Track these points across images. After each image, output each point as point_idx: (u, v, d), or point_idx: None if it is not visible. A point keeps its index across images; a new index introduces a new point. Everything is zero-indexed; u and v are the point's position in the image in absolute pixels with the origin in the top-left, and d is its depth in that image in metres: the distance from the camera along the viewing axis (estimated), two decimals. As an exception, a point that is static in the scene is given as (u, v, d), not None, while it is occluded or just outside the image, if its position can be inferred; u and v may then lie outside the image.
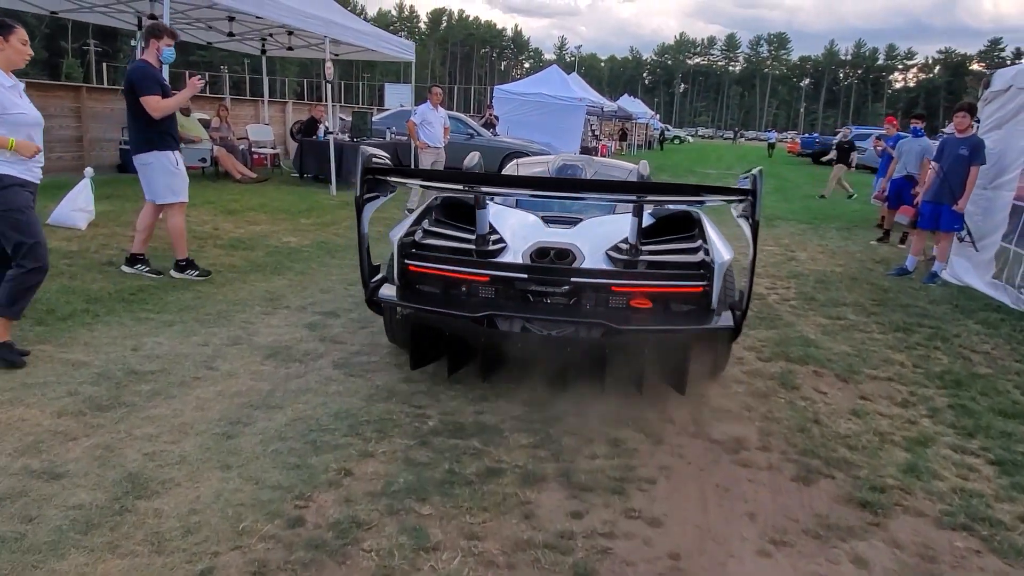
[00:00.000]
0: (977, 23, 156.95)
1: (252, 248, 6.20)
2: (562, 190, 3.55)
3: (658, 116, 47.81)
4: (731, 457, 2.91)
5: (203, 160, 9.56)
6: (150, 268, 5.11)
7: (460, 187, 3.54)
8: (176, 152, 4.95)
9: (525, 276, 3.18)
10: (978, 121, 6.62)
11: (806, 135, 43.25)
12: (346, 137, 10.66)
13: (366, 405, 3.24)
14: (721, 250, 3.31)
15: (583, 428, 3.10)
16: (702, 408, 3.38)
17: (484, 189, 3.38)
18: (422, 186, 4.16)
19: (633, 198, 3.35)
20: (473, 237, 3.47)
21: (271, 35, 10.25)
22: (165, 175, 4.88)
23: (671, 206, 3.98)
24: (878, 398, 3.63)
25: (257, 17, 7.99)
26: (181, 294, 4.74)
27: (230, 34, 9.43)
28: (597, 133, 24.55)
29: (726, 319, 3.11)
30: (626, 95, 38.28)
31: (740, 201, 3.16)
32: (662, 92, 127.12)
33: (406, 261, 3.36)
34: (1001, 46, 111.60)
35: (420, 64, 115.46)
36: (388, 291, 3.36)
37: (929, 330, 4.89)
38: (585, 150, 18.77)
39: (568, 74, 23.09)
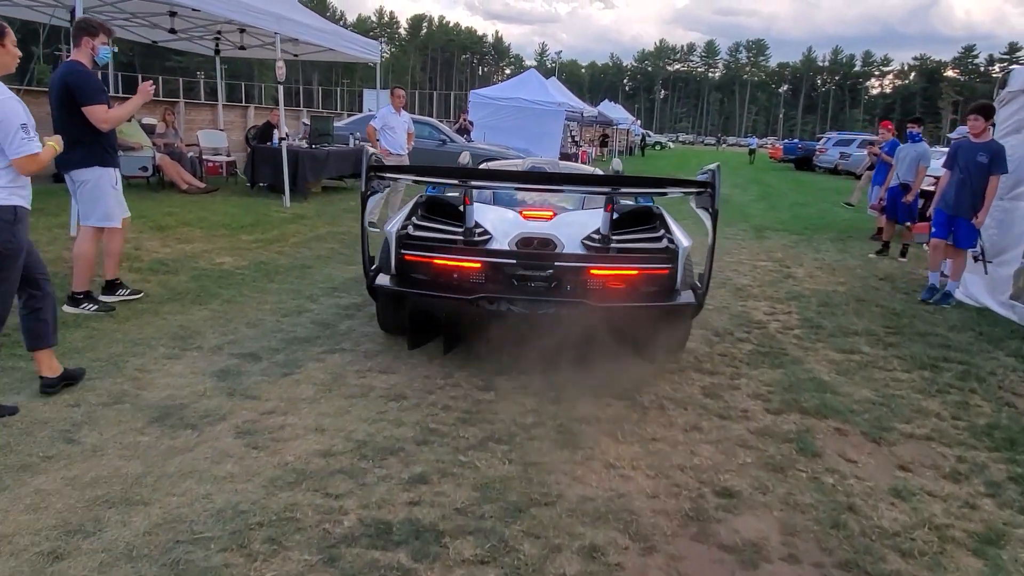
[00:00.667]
0: (950, 31, 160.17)
1: (175, 271, 5.36)
2: (545, 184, 4.06)
3: (639, 122, 47.46)
4: None
5: (144, 168, 8.69)
6: (99, 305, 4.36)
7: (453, 182, 3.90)
8: (117, 169, 4.33)
9: (514, 262, 3.53)
10: (993, 125, 5.98)
11: (788, 140, 43.01)
12: (303, 143, 9.83)
13: (264, 496, 2.44)
14: (681, 238, 3.78)
15: (550, 525, 2.34)
16: (703, 489, 2.63)
17: (475, 183, 3.71)
18: (416, 182, 4.44)
19: (608, 190, 3.68)
20: (460, 230, 3.75)
21: (220, 33, 9.41)
22: (104, 196, 4.22)
23: (634, 201, 4.44)
24: (920, 467, 2.91)
25: (194, 10, 7.17)
26: (70, 333, 3.90)
27: (172, 31, 8.57)
28: (577, 139, 23.90)
29: (688, 296, 3.58)
30: (606, 100, 37.79)
31: (699, 193, 3.64)
32: (643, 98, 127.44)
33: (402, 251, 3.64)
34: (975, 53, 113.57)
35: (400, 70, 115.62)
36: (382, 280, 3.66)
37: (959, 366, 4.20)
38: (565, 156, 18.07)
39: (547, 79, 22.47)
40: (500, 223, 3.97)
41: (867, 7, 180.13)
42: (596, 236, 3.75)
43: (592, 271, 3.56)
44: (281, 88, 8.45)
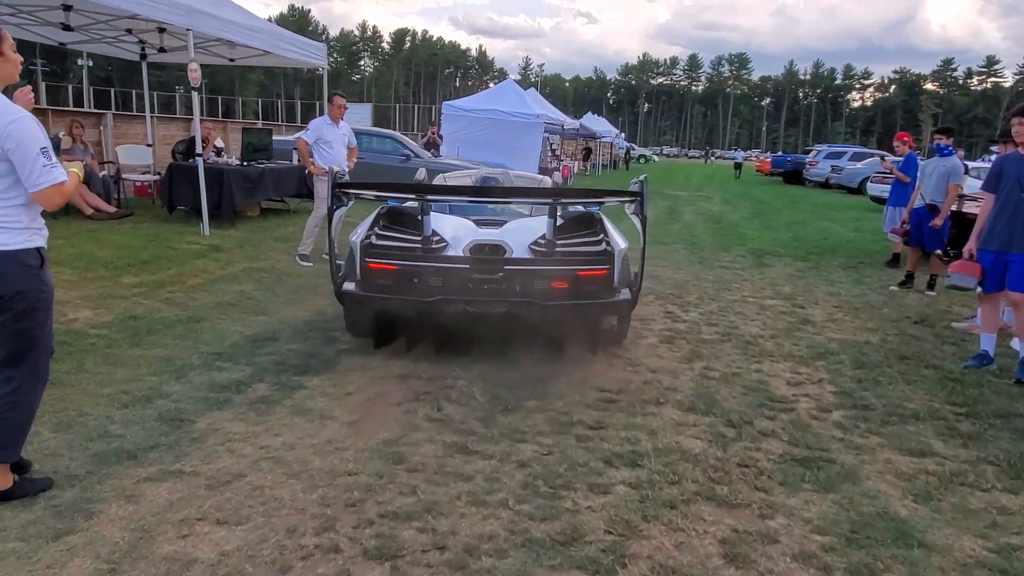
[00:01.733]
0: (927, 45, 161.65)
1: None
2: (495, 196, 4.83)
3: (623, 135, 46.63)
4: None
5: (38, 191, 7.28)
6: None
7: (411, 196, 4.47)
8: None
9: (468, 266, 3.91)
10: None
11: (777, 153, 42.18)
12: (232, 161, 8.47)
13: None
14: (618, 241, 4.18)
15: None
16: None
17: (430, 197, 4.22)
18: (378, 197, 4.50)
19: (550, 200, 4.18)
20: (419, 239, 4.08)
21: (129, 31, 8.07)
22: None
23: (578, 208, 4.74)
24: None
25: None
26: None
27: (65, 27, 7.21)
28: (558, 152, 22.73)
29: (625, 294, 4.01)
30: (590, 113, 36.81)
31: (632, 201, 4.00)
32: (626, 111, 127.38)
33: (366, 259, 3.98)
34: (953, 66, 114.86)
35: (383, 84, 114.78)
36: (349, 286, 3.95)
37: (1081, 479, 2.94)
38: (544, 171, 16.84)
39: (525, 89, 21.34)
40: (456, 231, 4.28)
41: (844, 22, 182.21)
42: (543, 241, 4.07)
43: (538, 273, 3.93)
44: (196, 96, 7.12)
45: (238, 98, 63.18)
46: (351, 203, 4.19)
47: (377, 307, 3.97)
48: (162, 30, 8.03)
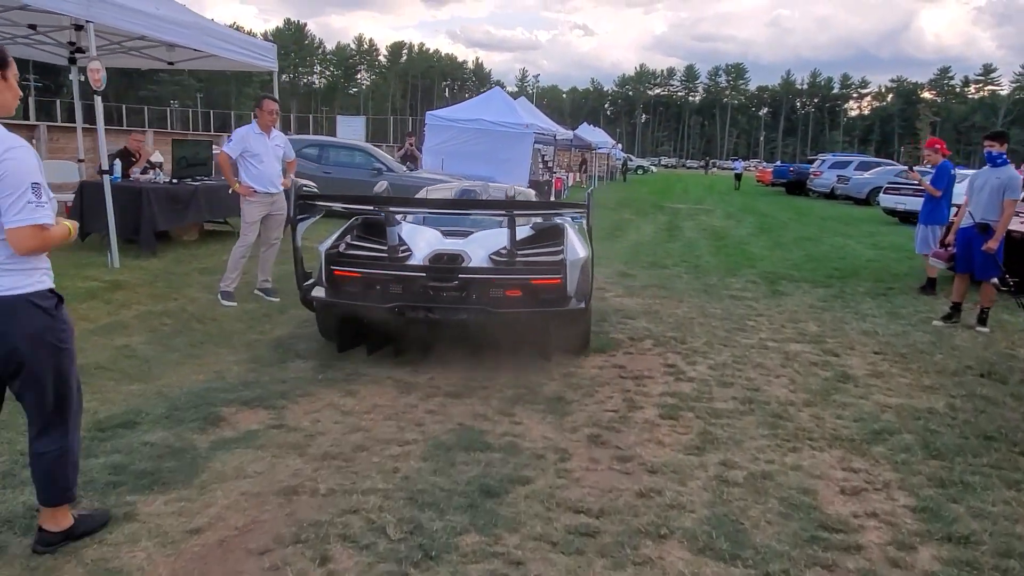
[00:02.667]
0: (922, 54, 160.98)
1: None
2: (450, 208, 4.95)
3: (620, 145, 45.67)
4: None
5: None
6: None
7: (372, 208, 4.58)
8: None
9: (424, 275, 4.04)
10: None
11: (779, 163, 41.07)
12: (160, 178, 7.29)
13: None
14: (576, 250, 4.24)
15: None
16: None
17: (392, 209, 4.41)
18: (343, 209, 4.58)
19: (502, 212, 4.43)
20: (386, 248, 4.32)
21: (34, 27, 6.93)
22: None
23: (544, 220, 4.92)
24: None
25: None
26: None
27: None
28: (550, 164, 21.61)
29: (578, 303, 4.02)
30: (585, 123, 35.81)
31: (581, 213, 4.27)
32: (624, 122, 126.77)
33: (331, 267, 4.15)
34: (951, 75, 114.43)
35: (380, 97, 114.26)
36: (318, 292, 4.13)
37: None
38: (534, 184, 15.69)
39: (516, 99, 20.27)
40: (423, 241, 4.46)
41: (839, 33, 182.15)
42: (504, 251, 4.22)
43: (492, 282, 4.08)
44: (99, 100, 5.96)
45: (232, 111, 62.18)
46: (320, 215, 4.37)
47: (341, 312, 4.21)
48: (79, 27, 6.90)
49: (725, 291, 7.13)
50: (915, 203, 14.76)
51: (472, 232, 4.70)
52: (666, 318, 5.78)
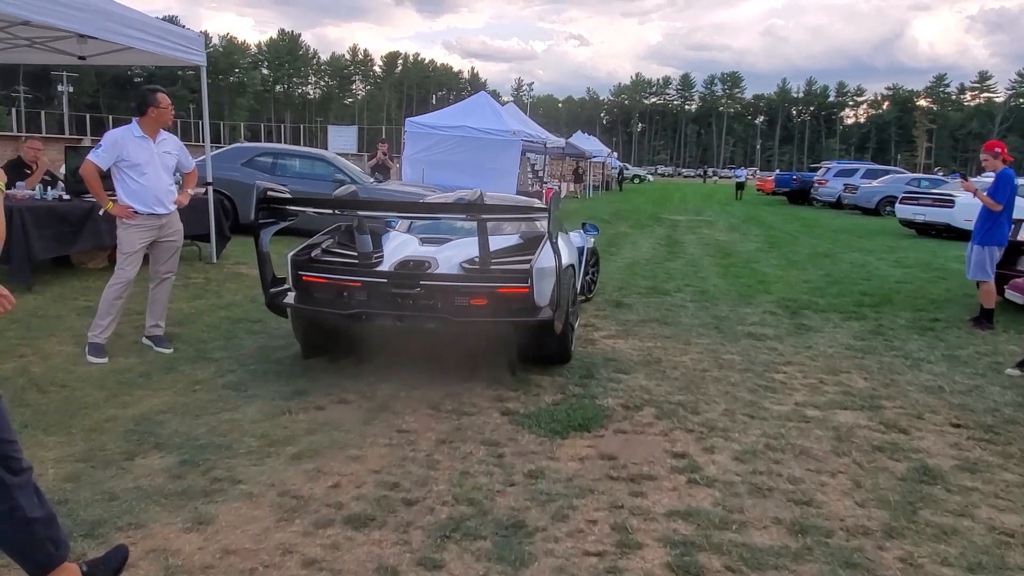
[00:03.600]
0: (916, 63, 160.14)
1: None
2: (409, 211, 4.86)
3: (616, 154, 44.56)
4: None
5: None
6: None
7: (333, 211, 4.37)
8: None
9: (386, 280, 3.95)
10: None
11: (780, 171, 39.85)
12: (51, 195, 5.99)
13: None
14: (547, 258, 3.90)
15: None
16: None
17: (356, 212, 4.28)
18: (316, 213, 4.37)
19: (463, 216, 4.33)
20: (357, 254, 4.29)
21: None
22: None
23: (529, 227, 4.93)
24: None
25: None
26: None
27: None
28: (541, 174, 20.37)
29: (547, 313, 3.80)
30: (579, 132, 34.68)
31: (543, 217, 4.07)
32: (620, 132, 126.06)
33: (299, 272, 4.04)
34: (946, 82, 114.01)
35: (375, 107, 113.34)
36: (290, 298, 4.02)
37: None
38: (523, 194, 14.45)
39: (503, 105, 19.10)
40: (398, 247, 4.42)
41: (833, 42, 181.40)
42: (477, 259, 4.05)
43: (456, 289, 3.92)
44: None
45: (224, 122, 60.84)
46: (292, 220, 4.14)
47: (308, 317, 4.14)
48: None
49: (740, 326, 5.86)
50: (937, 214, 13.59)
51: (451, 240, 4.62)
52: (670, 371, 4.50)
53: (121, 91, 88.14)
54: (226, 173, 9.17)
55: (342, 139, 35.03)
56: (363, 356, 4.36)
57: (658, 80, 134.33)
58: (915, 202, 13.86)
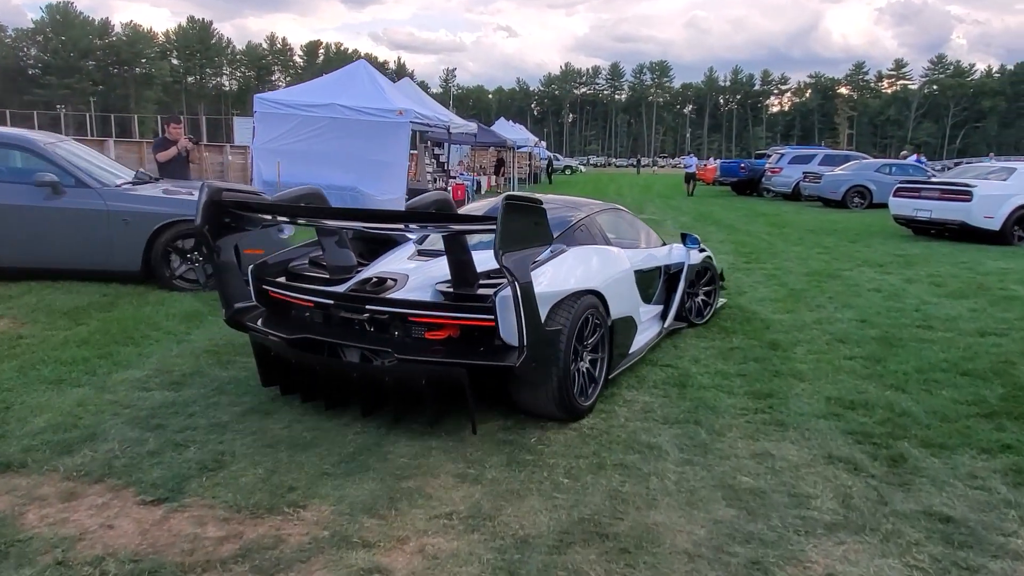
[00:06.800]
0: (829, 53, 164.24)
1: None
2: (334, 219, 3.71)
3: (544, 144, 41.06)
4: None
5: None
6: None
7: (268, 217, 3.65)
8: None
9: (332, 302, 3.28)
10: None
11: (727, 160, 37.03)
12: None
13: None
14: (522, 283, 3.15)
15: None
16: None
17: (300, 222, 3.72)
18: (288, 222, 4.02)
19: (401, 226, 3.84)
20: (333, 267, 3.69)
21: None
22: None
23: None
24: None
25: None
26: None
27: None
28: (447, 166, 16.45)
29: (519, 357, 2.85)
30: (502, 119, 30.98)
31: (492, 231, 3.06)
32: (551, 122, 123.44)
33: (259, 284, 3.55)
34: (865, 70, 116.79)
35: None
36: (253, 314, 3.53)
37: None
38: (414, 192, 10.52)
39: (443, 103, 15.09)
40: (385, 261, 3.85)
41: (752, 34, 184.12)
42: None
43: (406, 317, 3.15)
44: None
45: (134, 115, 53.62)
46: (260, 228, 3.63)
47: (256, 340, 3.45)
48: None
49: (786, 527, 2.24)
50: (948, 210, 10.53)
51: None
52: None
53: (13, 84, 78.19)
54: None
55: (248, 131, 30.20)
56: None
57: (588, 70, 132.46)
58: (917, 195, 10.81)
